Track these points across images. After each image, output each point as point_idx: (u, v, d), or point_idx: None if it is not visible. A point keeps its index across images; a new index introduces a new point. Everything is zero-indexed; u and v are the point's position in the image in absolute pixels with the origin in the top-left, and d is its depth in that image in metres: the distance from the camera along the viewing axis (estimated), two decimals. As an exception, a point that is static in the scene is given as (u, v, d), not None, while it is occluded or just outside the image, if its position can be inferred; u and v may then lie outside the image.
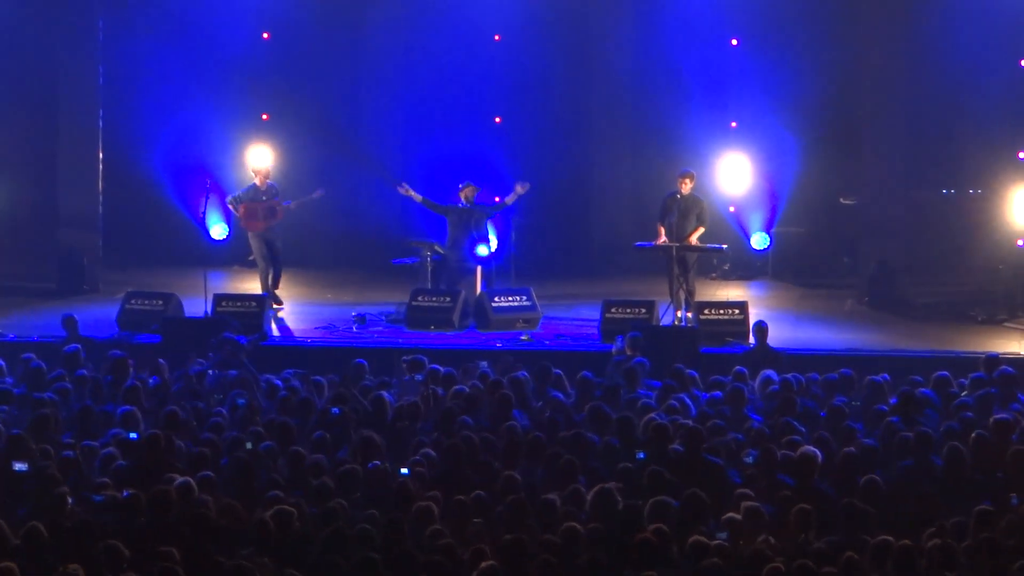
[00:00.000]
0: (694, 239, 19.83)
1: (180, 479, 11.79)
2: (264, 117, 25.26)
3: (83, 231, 23.63)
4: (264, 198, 21.01)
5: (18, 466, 12.29)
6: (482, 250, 20.61)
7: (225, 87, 25.07)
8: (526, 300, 20.28)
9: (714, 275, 24.10)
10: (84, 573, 9.95)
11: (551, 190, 24.75)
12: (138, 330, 19.24)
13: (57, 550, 10.49)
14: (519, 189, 20.43)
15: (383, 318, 20.56)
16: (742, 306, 19.51)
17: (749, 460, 12.79)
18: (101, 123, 23.77)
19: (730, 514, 11.23)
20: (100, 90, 23.79)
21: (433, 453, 12.87)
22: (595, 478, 12.19)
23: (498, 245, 21.08)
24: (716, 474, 12.48)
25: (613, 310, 19.32)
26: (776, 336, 18.03)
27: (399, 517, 10.95)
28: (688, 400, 14.67)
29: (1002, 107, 23.21)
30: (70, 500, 11.55)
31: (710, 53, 24.43)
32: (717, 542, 10.66)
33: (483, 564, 10.07)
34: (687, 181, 19.92)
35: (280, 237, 21.16)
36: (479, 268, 20.73)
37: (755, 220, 24.31)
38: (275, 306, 20.93)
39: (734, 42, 24.64)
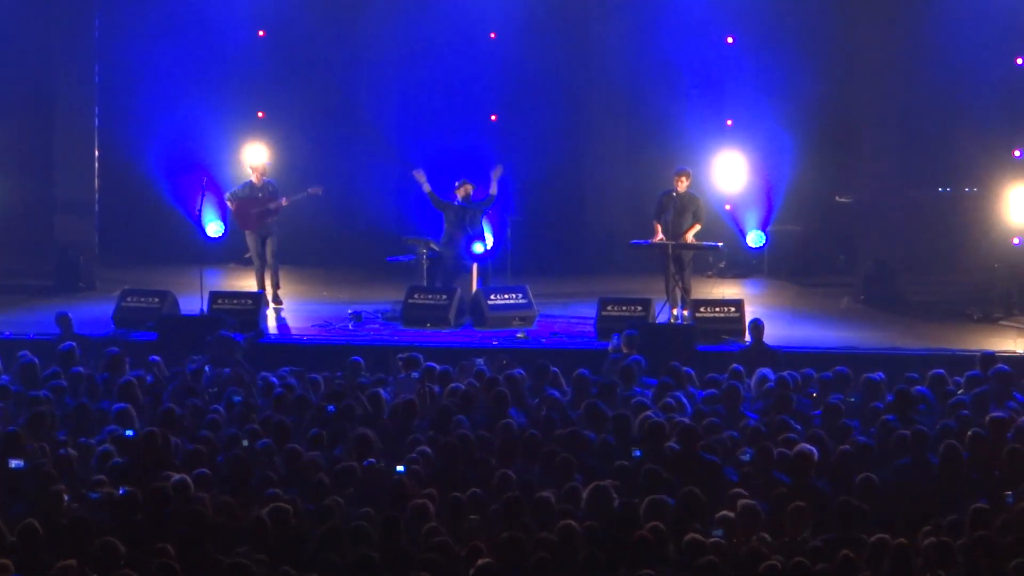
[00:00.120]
0: (690, 237, 19.83)
1: (176, 476, 11.78)
2: (260, 115, 25.24)
3: (79, 228, 23.67)
4: (260, 195, 20.99)
5: (14, 463, 12.27)
6: (478, 247, 20.61)
7: (221, 85, 25.06)
8: (522, 298, 20.28)
9: (710, 273, 24.10)
10: (79, 569, 9.94)
11: (547, 188, 24.79)
12: (134, 328, 19.23)
13: (53, 547, 10.48)
14: (495, 174, 20.47)
15: (379, 316, 20.56)
16: (738, 304, 19.52)
17: (745, 458, 12.79)
18: (97, 121, 23.79)
19: (726, 512, 11.23)
20: (96, 88, 23.83)
21: (429, 451, 12.87)
22: (591, 476, 12.18)
23: (494, 242, 21.08)
24: (712, 472, 12.48)
25: (609, 308, 19.32)
26: (772, 334, 18.03)
27: (395, 515, 10.95)
28: (684, 398, 14.67)
29: (998, 106, 23.24)
30: (66, 497, 11.54)
31: (706, 51, 24.45)
32: (713, 540, 10.65)
33: (479, 562, 10.07)
34: (683, 179, 19.92)
35: (277, 235, 21.09)
36: (475, 266, 20.73)
37: (751, 218, 24.31)
38: (276, 306, 20.92)
39: (730, 40, 24.65)
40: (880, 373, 15.42)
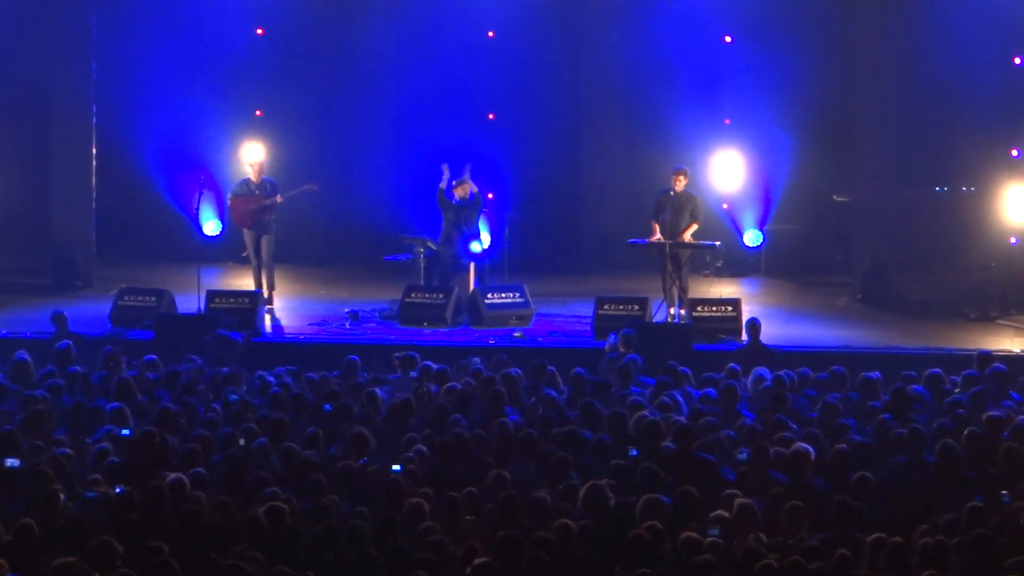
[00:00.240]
0: (687, 236, 19.82)
1: (173, 475, 11.77)
2: (258, 113, 25.24)
3: (76, 227, 23.63)
4: (257, 192, 20.96)
5: (10, 462, 12.26)
6: (475, 246, 20.61)
7: (219, 83, 25.05)
8: (519, 297, 20.27)
9: (707, 272, 24.11)
10: (78, 566, 9.94)
11: (544, 186, 24.79)
12: (131, 326, 19.22)
13: (49, 546, 10.48)
14: (467, 170, 20.40)
15: (376, 315, 20.55)
16: (735, 303, 19.52)
17: (742, 457, 12.79)
18: (95, 119, 23.75)
19: (722, 511, 11.23)
20: (94, 86, 23.78)
21: (425, 450, 12.87)
22: (588, 475, 12.18)
23: (491, 241, 21.07)
24: (709, 471, 12.48)
25: (606, 307, 19.31)
26: (769, 333, 18.04)
27: (391, 514, 10.94)
28: (680, 397, 14.67)
29: (996, 105, 23.25)
30: (63, 496, 11.53)
31: (704, 50, 24.44)
32: (710, 539, 10.65)
33: (476, 561, 10.07)
34: (680, 178, 19.91)
35: (274, 234, 21.03)
36: (472, 264, 20.72)
37: (748, 217, 24.31)
38: (267, 307, 20.89)
39: (728, 39, 24.66)
40: (877, 372, 15.43)
